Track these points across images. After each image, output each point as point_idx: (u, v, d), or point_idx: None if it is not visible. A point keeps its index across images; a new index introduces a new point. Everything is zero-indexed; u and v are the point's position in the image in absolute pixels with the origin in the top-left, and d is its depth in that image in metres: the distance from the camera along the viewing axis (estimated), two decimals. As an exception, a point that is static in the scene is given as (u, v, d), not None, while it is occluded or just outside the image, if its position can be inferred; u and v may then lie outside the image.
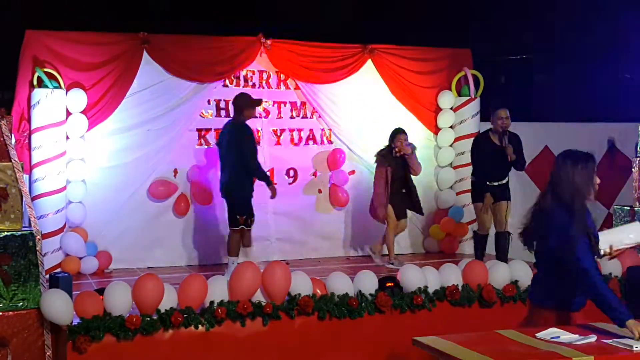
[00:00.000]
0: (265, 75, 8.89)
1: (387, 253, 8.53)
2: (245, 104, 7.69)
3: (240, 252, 7.74)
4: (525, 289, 6.68)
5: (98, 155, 8.16)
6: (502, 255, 7.87)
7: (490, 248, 8.11)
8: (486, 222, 7.95)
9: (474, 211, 8.38)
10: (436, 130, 9.52)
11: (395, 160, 8.33)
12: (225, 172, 7.73)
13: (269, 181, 7.78)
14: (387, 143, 8.46)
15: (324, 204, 9.14)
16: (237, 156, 7.54)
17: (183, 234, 8.52)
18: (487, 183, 7.86)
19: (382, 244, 8.59)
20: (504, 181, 7.92)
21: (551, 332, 4.21)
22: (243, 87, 8.78)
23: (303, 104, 9.06)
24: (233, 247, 7.67)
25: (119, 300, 5.60)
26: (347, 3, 10.86)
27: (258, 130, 8.84)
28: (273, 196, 7.84)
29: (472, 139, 8.50)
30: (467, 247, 9.15)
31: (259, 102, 7.93)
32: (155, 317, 5.62)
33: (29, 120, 7.73)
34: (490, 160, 7.81)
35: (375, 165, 8.48)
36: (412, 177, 8.49)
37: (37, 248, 5.63)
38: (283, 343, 5.93)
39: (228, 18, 10.17)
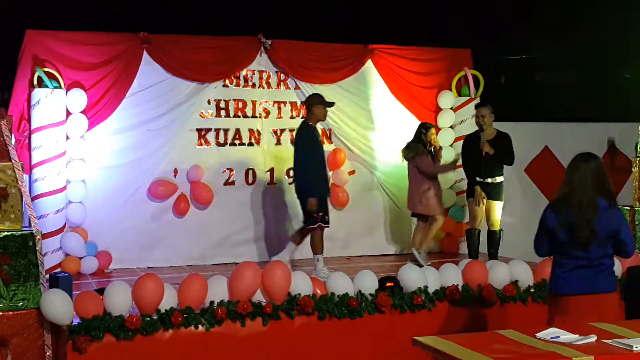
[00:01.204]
0: (265, 75, 8.89)
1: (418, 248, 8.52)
2: (313, 103, 7.74)
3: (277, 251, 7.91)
4: (526, 288, 6.70)
5: (98, 155, 8.16)
6: (492, 250, 8.00)
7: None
8: (477, 216, 8.01)
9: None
10: (436, 130, 9.51)
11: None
12: (296, 173, 7.84)
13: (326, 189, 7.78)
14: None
15: (323, 204, 9.13)
16: (302, 157, 7.63)
17: (183, 234, 8.51)
18: (477, 179, 7.96)
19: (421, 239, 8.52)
20: (497, 179, 7.96)
21: (551, 332, 4.21)
22: (243, 87, 8.80)
23: (303, 104, 9.05)
24: (318, 245, 7.73)
25: (119, 300, 5.60)
26: (347, 3, 10.85)
27: (258, 130, 8.85)
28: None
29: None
30: (462, 247, 9.16)
31: (329, 103, 7.90)
32: (155, 317, 5.62)
33: (29, 120, 7.73)
34: (475, 157, 7.92)
35: (412, 157, 8.46)
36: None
37: (37, 248, 5.63)
38: (283, 343, 5.93)
39: (228, 18, 10.16)
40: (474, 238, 8.08)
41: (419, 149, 8.40)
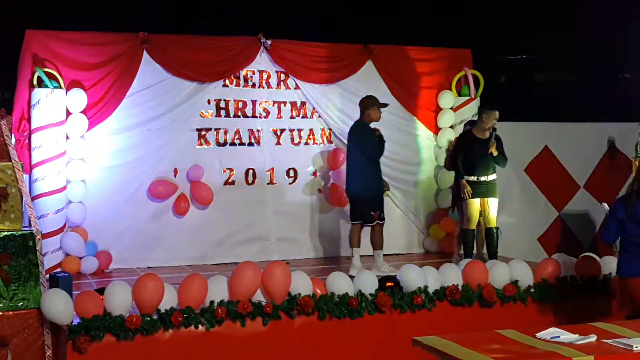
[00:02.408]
0: (265, 75, 8.89)
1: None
2: (369, 105, 7.82)
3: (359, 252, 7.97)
4: (526, 288, 6.70)
5: (98, 155, 8.16)
6: (491, 248, 8.00)
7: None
8: (471, 216, 7.98)
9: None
10: (436, 130, 9.51)
11: None
12: (351, 172, 7.88)
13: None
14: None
15: (324, 204, 9.14)
16: (361, 155, 7.72)
17: (183, 234, 8.51)
18: (470, 178, 7.96)
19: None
20: (491, 177, 7.98)
21: (551, 332, 4.21)
22: (243, 87, 8.79)
23: (303, 104, 9.06)
24: (378, 241, 7.88)
25: (119, 300, 5.60)
26: (347, 3, 10.85)
27: (258, 130, 8.85)
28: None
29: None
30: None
31: (384, 104, 7.96)
32: (155, 317, 5.62)
33: (29, 120, 7.73)
34: (480, 156, 7.93)
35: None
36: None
37: (37, 248, 5.64)
38: (283, 343, 5.94)
39: (228, 18, 10.16)
40: (469, 239, 8.06)
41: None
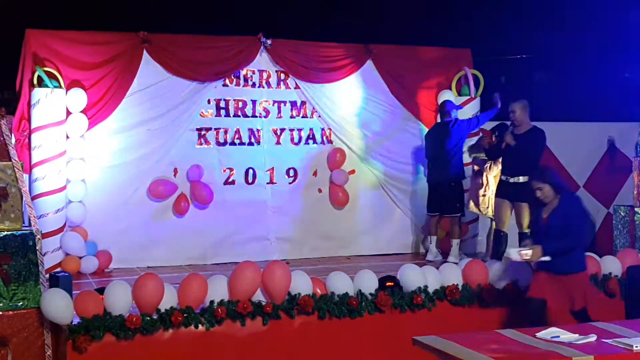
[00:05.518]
0: (265, 75, 8.89)
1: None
2: (452, 108, 8.74)
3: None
4: (525, 288, 6.70)
5: (98, 155, 8.16)
6: None
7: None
8: (502, 218, 7.61)
9: (474, 211, 8.57)
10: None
11: None
12: (444, 166, 8.50)
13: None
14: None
15: (324, 203, 9.14)
16: (457, 149, 8.51)
17: (183, 234, 8.51)
18: (503, 178, 7.62)
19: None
20: (520, 179, 7.34)
21: (551, 332, 4.22)
22: (243, 86, 8.79)
23: (303, 103, 9.05)
24: (459, 231, 8.56)
25: (119, 299, 5.61)
26: (347, 3, 10.86)
27: (258, 130, 8.86)
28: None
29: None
30: (468, 246, 9.15)
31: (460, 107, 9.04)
32: (155, 317, 5.63)
33: (29, 120, 7.73)
34: (505, 153, 7.64)
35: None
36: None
37: (37, 247, 5.64)
38: (283, 343, 5.94)
39: (228, 18, 10.17)
40: (502, 241, 7.58)
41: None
